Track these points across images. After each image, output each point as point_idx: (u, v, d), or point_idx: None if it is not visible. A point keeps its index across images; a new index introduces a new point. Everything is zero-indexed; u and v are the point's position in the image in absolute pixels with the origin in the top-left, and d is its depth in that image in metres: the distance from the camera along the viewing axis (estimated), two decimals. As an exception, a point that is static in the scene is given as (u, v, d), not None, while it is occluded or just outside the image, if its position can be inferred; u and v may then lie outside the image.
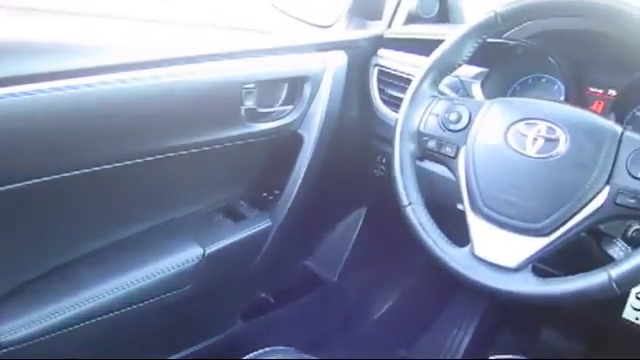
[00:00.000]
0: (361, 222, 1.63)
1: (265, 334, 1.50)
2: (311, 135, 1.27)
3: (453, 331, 1.81)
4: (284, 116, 1.24)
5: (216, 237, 1.23)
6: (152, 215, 1.21)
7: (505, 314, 1.82)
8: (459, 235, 0.90)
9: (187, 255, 1.18)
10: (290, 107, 1.25)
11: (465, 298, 1.85)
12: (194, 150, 1.12)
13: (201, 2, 1.45)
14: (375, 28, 1.40)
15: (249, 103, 1.15)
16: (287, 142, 1.28)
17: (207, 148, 1.14)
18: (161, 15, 1.25)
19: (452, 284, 1.80)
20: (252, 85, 1.14)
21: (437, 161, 0.98)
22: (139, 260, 1.14)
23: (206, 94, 1.09)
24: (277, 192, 1.32)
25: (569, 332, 1.74)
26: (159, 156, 1.07)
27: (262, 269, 1.36)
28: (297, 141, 1.28)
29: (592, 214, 0.79)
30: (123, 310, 1.11)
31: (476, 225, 0.88)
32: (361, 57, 1.35)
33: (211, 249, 1.21)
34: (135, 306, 1.13)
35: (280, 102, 1.24)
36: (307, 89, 1.24)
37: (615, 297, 0.83)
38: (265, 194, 1.36)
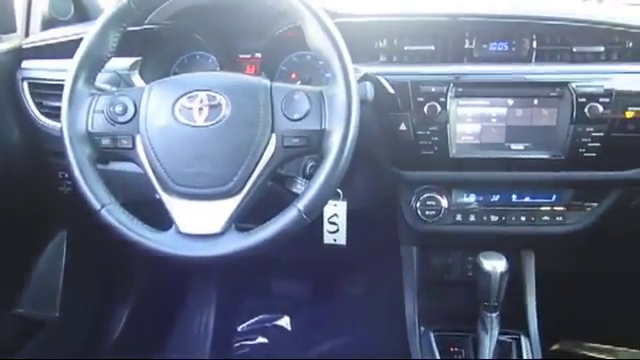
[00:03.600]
0: (65, 246, 1.52)
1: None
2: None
3: (197, 318, 1.83)
4: None
5: None
6: None
7: (239, 282, 1.90)
8: (170, 222, 0.90)
9: None
10: None
11: (198, 283, 1.88)
12: None
13: None
14: (11, 41, 1.28)
15: None
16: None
17: None
18: None
19: (180, 275, 1.84)
20: None
21: (119, 158, 0.96)
22: None
23: None
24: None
25: (294, 276, 1.91)
26: None
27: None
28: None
29: (269, 162, 0.88)
30: None
31: (174, 205, 0.89)
32: (3, 74, 1.23)
33: None
34: None
35: None
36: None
37: (313, 228, 0.95)
38: None
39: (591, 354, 1.82)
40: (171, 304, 1.86)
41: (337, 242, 1.18)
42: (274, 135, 0.88)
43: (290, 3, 0.88)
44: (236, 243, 0.87)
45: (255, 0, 0.91)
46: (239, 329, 1.86)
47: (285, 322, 1.87)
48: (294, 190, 0.95)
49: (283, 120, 0.88)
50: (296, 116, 0.87)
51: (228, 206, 0.88)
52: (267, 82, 0.90)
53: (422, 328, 1.26)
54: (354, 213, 1.16)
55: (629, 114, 1.02)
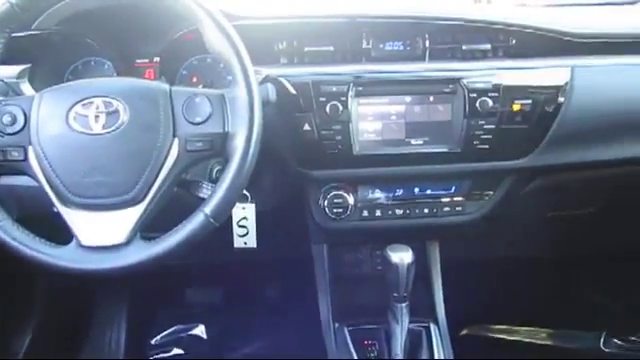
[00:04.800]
0: None
1: None
2: None
3: (107, 334, 1.76)
4: None
5: None
6: None
7: (150, 293, 1.85)
8: (71, 236, 0.87)
9: None
10: None
11: (106, 297, 1.81)
12: None
13: None
14: None
15: None
16: None
17: None
18: None
19: (87, 290, 1.75)
20: None
21: (10, 171, 0.91)
22: None
23: None
24: None
25: (207, 283, 1.88)
26: None
27: None
28: None
29: (172, 168, 0.86)
30: None
31: (73, 218, 0.86)
32: None
33: None
34: None
35: None
36: None
37: (222, 232, 0.94)
38: None
39: (496, 336, 1.92)
40: (78, 322, 1.78)
41: (248, 245, 1.18)
42: (176, 140, 0.86)
43: (186, 5, 0.87)
44: (142, 253, 0.85)
45: (150, 3, 0.89)
46: (153, 342, 1.81)
47: (200, 331, 1.84)
48: (200, 195, 0.93)
49: (185, 124, 0.87)
50: (198, 119, 0.86)
51: (132, 215, 0.85)
52: (166, 86, 0.89)
53: (336, 324, 1.28)
54: (263, 215, 1.16)
55: (516, 107, 1.09)
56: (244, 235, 1.16)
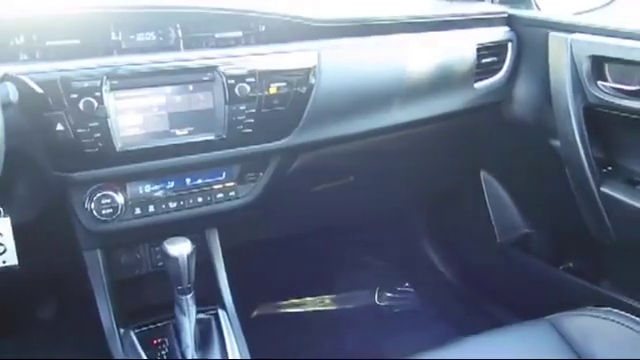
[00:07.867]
0: None
1: None
2: None
3: None
4: None
5: None
6: None
7: None
8: None
9: None
10: None
11: None
12: None
13: None
14: None
15: None
16: None
17: None
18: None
19: None
20: None
21: None
22: None
23: None
24: None
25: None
26: None
27: None
28: None
29: None
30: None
31: None
32: None
33: None
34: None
35: None
36: None
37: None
38: None
39: (286, 310, 2.03)
40: None
41: (7, 264, 1.05)
42: None
43: None
44: None
45: None
46: None
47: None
48: None
49: None
50: None
51: None
52: None
53: (122, 330, 1.23)
54: (23, 228, 1.05)
55: (272, 90, 1.14)
56: (1, 253, 1.04)
